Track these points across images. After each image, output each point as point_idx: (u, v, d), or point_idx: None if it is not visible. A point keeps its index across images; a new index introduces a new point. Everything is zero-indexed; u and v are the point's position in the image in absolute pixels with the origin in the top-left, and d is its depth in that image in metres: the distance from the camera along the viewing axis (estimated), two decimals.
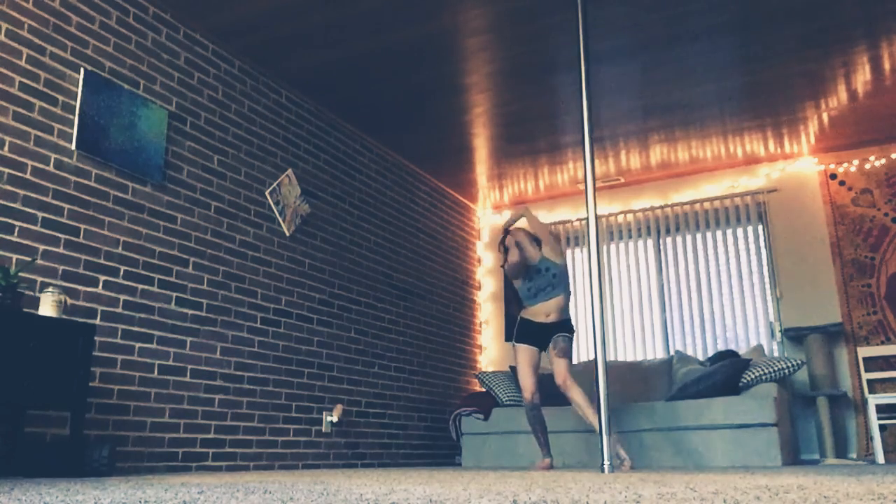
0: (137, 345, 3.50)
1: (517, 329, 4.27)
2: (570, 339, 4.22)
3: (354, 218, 5.22)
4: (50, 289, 2.85)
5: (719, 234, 6.06)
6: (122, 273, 3.48)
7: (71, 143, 3.34)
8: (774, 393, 4.38)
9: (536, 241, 4.31)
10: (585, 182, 3.21)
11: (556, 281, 4.23)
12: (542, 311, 4.22)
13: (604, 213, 6.45)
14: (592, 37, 3.99)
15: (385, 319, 5.37)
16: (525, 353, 4.21)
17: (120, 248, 3.49)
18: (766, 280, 5.80)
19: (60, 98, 3.33)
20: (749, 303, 5.81)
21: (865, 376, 5.19)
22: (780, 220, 5.84)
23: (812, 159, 5.84)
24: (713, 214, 6.10)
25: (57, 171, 3.26)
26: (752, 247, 5.93)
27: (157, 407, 3.54)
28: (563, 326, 4.22)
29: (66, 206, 3.28)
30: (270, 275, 4.37)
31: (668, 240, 6.23)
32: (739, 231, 6.01)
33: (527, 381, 4.18)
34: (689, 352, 5.88)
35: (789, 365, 4.58)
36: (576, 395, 4.01)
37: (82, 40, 3.47)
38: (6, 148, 3.08)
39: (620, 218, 6.44)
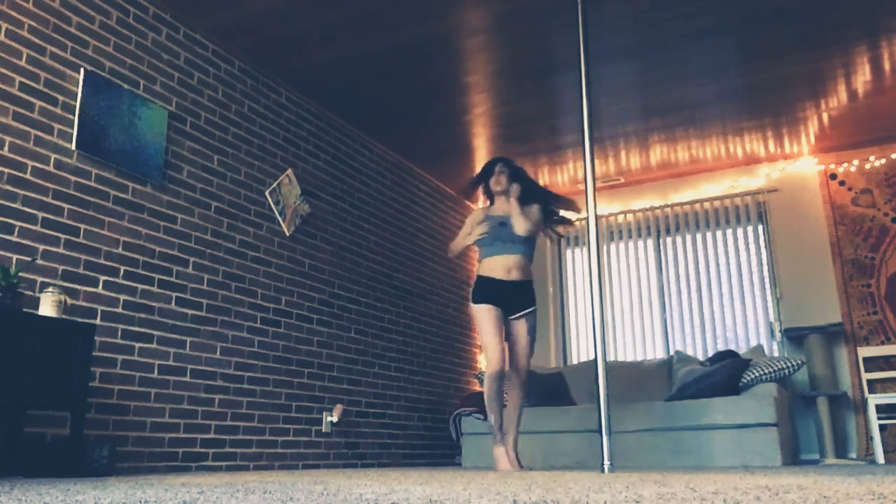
0: (137, 345, 3.50)
1: (475, 289, 3.79)
2: (535, 317, 3.85)
3: (354, 218, 5.22)
4: (50, 289, 2.85)
5: (719, 234, 6.06)
6: (122, 273, 3.48)
7: (71, 143, 3.34)
8: (774, 393, 4.38)
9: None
10: (585, 182, 3.21)
11: (519, 239, 3.81)
12: (501, 266, 3.76)
13: (604, 213, 6.45)
14: (592, 37, 3.99)
15: (385, 319, 5.37)
16: (486, 313, 3.71)
17: (120, 248, 3.49)
18: (766, 280, 5.80)
19: (60, 98, 3.33)
20: (749, 303, 5.82)
21: (865, 376, 5.19)
22: (780, 220, 5.85)
23: (812, 159, 5.84)
24: (713, 214, 6.10)
25: (57, 171, 3.26)
26: (752, 247, 5.94)
27: (157, 407, 3.54)
28: (529, 294, 3.79)
29: (66, 206, 3.28)
30: (270, 275, 4.37)
31: (668, 240, 6.23)
32: (739, 231, 6.01)
33: (494, 347, 3.65)
34: (689, 352, 5.89)
35: (789, 365, 4.58)
36: (517, 391, 3.70)
37: (82, 40, 3.47)
38: (6, 148, 3.08)
39: (620, 218, 6.44)
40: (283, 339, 4.39)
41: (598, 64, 4.38)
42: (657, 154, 5.86)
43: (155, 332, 3.60)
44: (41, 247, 3.14)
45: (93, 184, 3.42)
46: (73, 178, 3.33)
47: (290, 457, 4.31)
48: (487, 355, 3.66)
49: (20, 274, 2.91)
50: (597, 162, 5.94)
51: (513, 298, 3.77)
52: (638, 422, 4.64)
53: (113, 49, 3.61)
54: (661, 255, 6.24)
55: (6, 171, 3.06)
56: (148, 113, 3.72)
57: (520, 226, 3.77)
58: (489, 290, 3.75)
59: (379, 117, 5.21)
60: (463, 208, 6.76)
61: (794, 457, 4.86)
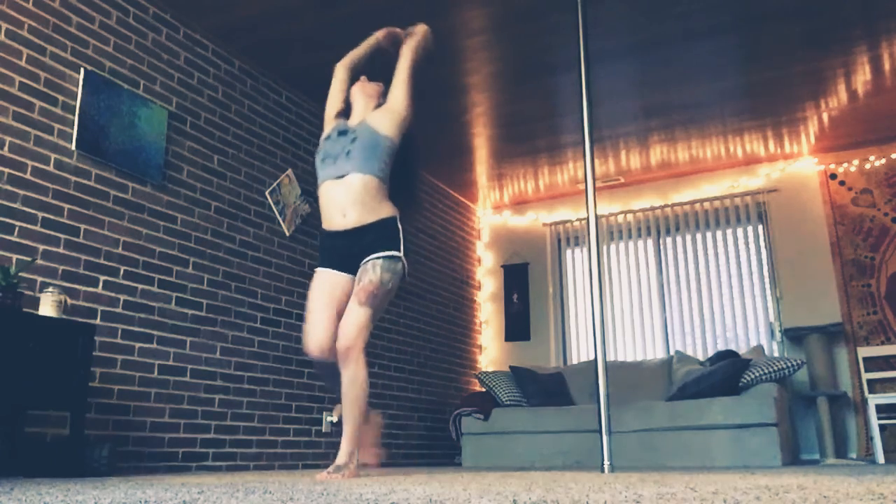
0: (137, 345, 3.50)
1: (319, 245, 2.79)
2: (390, 267, 2.57)
3: None
4: (50, 289, 2.85)
5: (719, 234, 6.06)
6: (122, 273, 3.48)
7: (71, 143, 3.34)
8: (774, 393, 4.38)
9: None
10: (585, 182, 3.21)
11: (359, 148, 2.64)
12: (335, 205, 2.63)
13: (604, 213, 6.45)
14: (592, 37, 3.99)
15: (385, 319, 5.37)
16: (314, 280, 2.71)
17: (120, 248, 3.49)
18: (766, 280, 5.80)
19: (60, 98, 3.33)
20: (749, 303, 5.81)
21: (865, 376, 5.19)
22: (780, 220, 5.84)
23: (812, 159, 5.84)
24: (713, 214, 6.10)
25: (57, 171, 3.26)
26: (752, 247, 5.94)
27: (157, 407, 3.54)
28: (375, 239, 2.59)
29: (66, 206, 3.28)
30: (270, 275, 4.37)
31: (668, 240, 6.23)
32: (739, 231, 6.01)
33: (310, 322, 2.64)
34: (689, 352, 5.88)
35: (789, 365, 4.58)
36: (349, 374, 2.57)
37: (82, 40, 3.47)
38: (6, 148, 3.08)
39: (620, 218, 6.44)
40: (283, 339, 4.39)
41: (598, 64, 4.38)
42: (657, 154, 5.86)
43: (155, 332, 3.60)
44: (41, 247, 3.14)
45: (93, 184, 3.42)
46: (73, 178, 3.32)
47: (290, 457, 4.31)
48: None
49: (20, 274, 2.91)
50: (597, 162, 5.94)
51: (352, 254, 2.63)
52: (638, 422, 4.64)
53: (113, 49, 3.61)
54: (661, 255, 6.24)
55: (6, 171, 3.06)
56: (148, 113, 3.72)
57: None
58: (326, 247, 2.71)
59: None
60: (463, 209, 6.76)
61: (794, 457, 4.87)
